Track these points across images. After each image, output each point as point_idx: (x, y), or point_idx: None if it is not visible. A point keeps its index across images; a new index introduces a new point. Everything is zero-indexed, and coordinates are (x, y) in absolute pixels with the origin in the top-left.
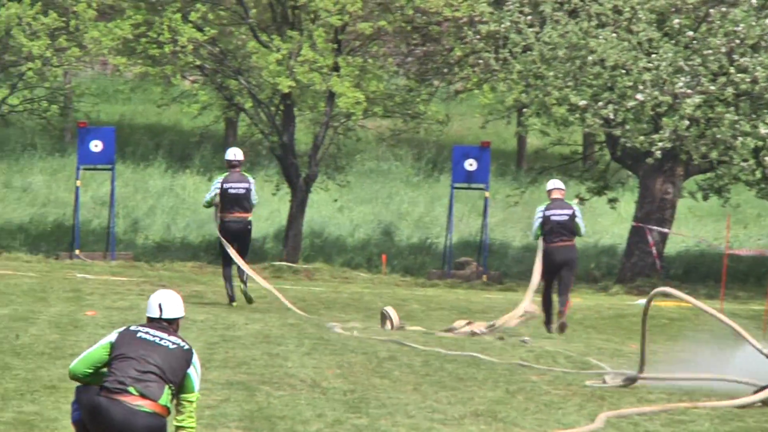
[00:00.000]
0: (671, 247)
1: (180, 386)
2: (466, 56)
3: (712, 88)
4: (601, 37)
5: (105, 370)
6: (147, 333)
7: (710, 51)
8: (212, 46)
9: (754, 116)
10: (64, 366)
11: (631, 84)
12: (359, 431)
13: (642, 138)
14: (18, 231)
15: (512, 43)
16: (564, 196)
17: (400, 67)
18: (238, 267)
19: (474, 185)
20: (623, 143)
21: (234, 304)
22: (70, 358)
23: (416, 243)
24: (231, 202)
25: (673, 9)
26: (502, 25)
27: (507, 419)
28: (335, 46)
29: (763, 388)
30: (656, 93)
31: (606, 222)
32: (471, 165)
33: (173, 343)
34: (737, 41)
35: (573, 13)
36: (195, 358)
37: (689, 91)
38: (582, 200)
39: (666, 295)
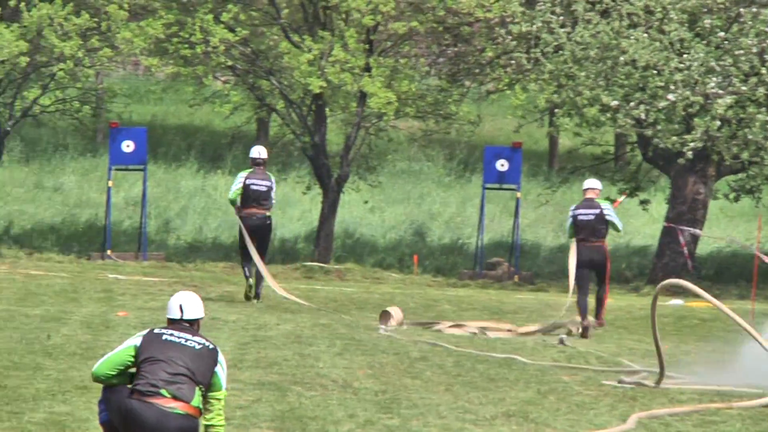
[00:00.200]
0: (703, 248)
1: (208, 386)
2: (497, 57)
3: (744, 88)
4: (632, 37)
5: (132, 371)
6: (172, 335)
7: (742, 51)
8: (244, 46)
9: None
10: None
11: (662, 84)
12: None
13: (674, 138)
14: (50, 231)
15: (544, 43)
16: (598, 196)
17: (432, 67)
18: (253, 266)
19: (505, 186)
20: (655, 144)
21: (255, 301)
22: None
23: (448, 243)
24: (250, 199)
25: (705, 9)
26: (534, 25)
27: (538, 420)
28: (367, 46)
29: None
30: (688, 93)
31: (638, 222)
32: (502, 165)
33: (199, 344)
34: None
35: (605, 13)
36: (221, 357)
37: (721, 91)
38: (629, 195)
39: (677, 287)
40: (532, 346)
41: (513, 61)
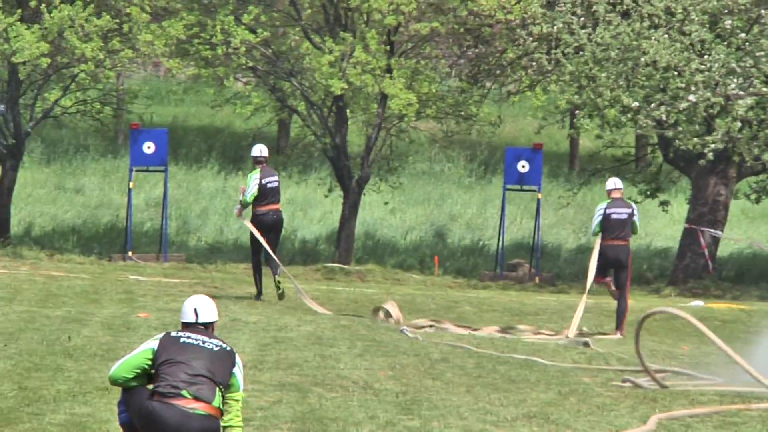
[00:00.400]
0: (724, 249)
1: (226, 386)
2: (518, 58)
3: (765, 89)
4: (653, 38)
5: (152, 372)
6: (189, 337)
7: (762, 53)
8: (265, 47)
9: None
10: None
11: (683, 85)
12: None
13: (694, 140)
14: (71, 233)
15: (564, 45)
16: (622, 195)
17: (453, 68)
18: (271, 261)
19: (526, 187)
20: (676, 145)
21: (262, 298)
22: None
23: (469, 245)
24: (268, 195)
25: (726, 10)
26: (555, 27)
27: (559, 421)
28: (388, 47)
29: None
30: (708, 94)
31: (658, 224)
32: (523, 167)
33: (216, 345)
34: None
35: (625, 14)
36: (237, 359)
37: (741, 92)
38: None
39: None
40: (553, 348)
41: (534, 63)
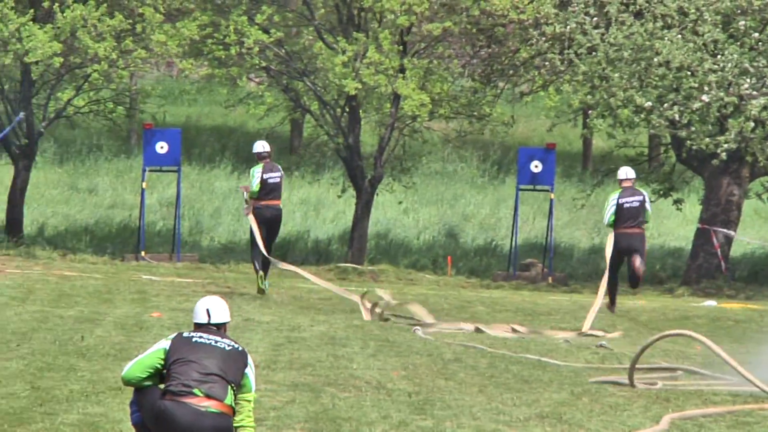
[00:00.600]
0: (737, 249)
1: (238, 386)
2: (531, 58)
3: None
4: (666, 38)
5: (164, 372)
6: (201, 337)
7: None
8: (278, 47)
9: None
10: None
11: (696, 85)
12: None
13: (707, 140)
14: (84, 233)
15: (577, 45)
16: (634, 184)
17: (466, 68)
18: (262, 256)
19: (539, 187)
20: (689, 145)
21: (265, 288)
22: None
23: (481, 245)
24: (269, 190)
25: (739, 11)
26: (568, 27)
27: (572, 421)
28: (401, 47)
29: None
30: (722, 94)
31: (671, 224)
32: (536, 167)
33: (228, 345)
34: None
35: (638, 15)
36: (250, 359)
37: (755, 92)
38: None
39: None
40: (565, 348)
41: (547, 63)
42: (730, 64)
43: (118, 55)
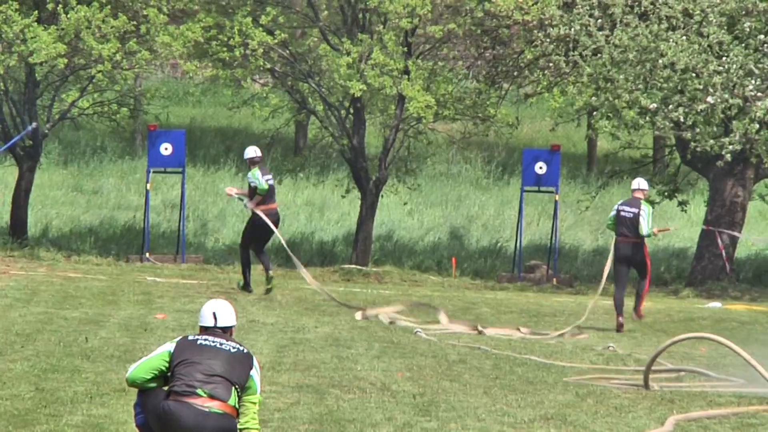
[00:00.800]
0: (742, 251)
1: (243, 388)
2: (536, 59)
3: None
4: (671, 40)
5: (168, 374)
6: (206, 340)
7: None
8: (282, 49)
9: None
10: None
11: (701, 87)
12: None
13: (712, 141)
14: (88, 234)
15: (582, 46)
16: (646, 196)
17: (470, 70)
18: (265, 257)
19: (544, 188)
20: (693, 146)
21: (251, 290)
22: None
23: (486, 246)
24: (268, 194)
25: (744, 12)
26: (572, 28)
27: (577, 422)
28: (405, 49)
29: None
30: (726, 96)
31: (676, 225)
32: (541, 168)
33: (234, 348)
34: None
35: (643, 16)
36: (255, 362)
37: (760, 94)
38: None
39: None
40: (570, 350)
41: (551, 64)
42: (735, 66)
43: (122, 57)
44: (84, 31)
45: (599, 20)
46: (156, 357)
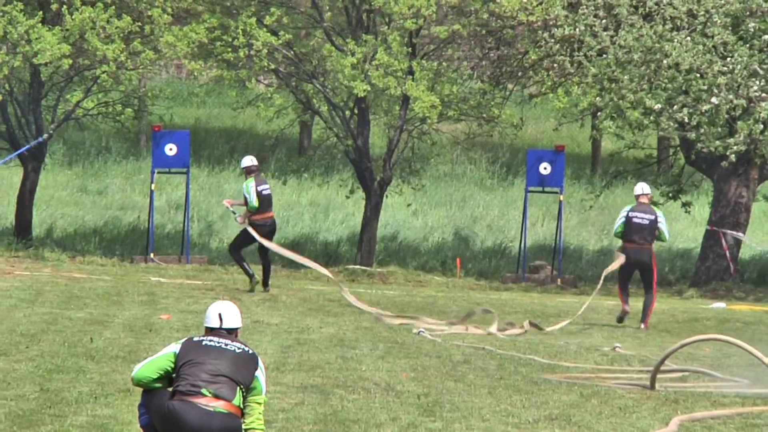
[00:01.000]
0: (746, 251)
1: (248, 389)
2: (540, 60)
3: None
4: (675, 40)
5: (173, 375)
6: (211, 341)
7: None
8: (287, 49)
9: None
10: None
11: (705, 88)
12: None
13: (716, 142)
14: (93, 234)
15: (587, 47)
16: (649, 201)
17: (475, 70)
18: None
19: (548, 189)
20: (698, 147)
21: (256, 278)
22: None
23: (490, 246)
24: (264, 203)
25: (748, 13)
26: (577, 29)
27: (581, 423)
28: (410, 49)
29: None
30: (731, 96)
31: (680, 226)
32: (545, 169)
33: (239, 348)
34: None
35: (648, 17)
36: (260, 362)
37: (764, 94)
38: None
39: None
40: (575, 350)
41: (556, 65)
42: (739, 66)
43: (127, 57)
44: (88, 32)
45: (604, 21)
46: (161, 357)
